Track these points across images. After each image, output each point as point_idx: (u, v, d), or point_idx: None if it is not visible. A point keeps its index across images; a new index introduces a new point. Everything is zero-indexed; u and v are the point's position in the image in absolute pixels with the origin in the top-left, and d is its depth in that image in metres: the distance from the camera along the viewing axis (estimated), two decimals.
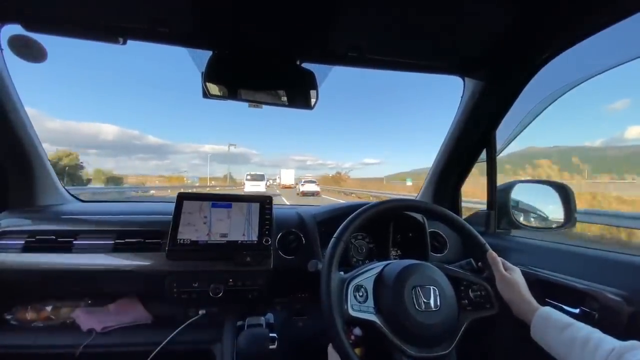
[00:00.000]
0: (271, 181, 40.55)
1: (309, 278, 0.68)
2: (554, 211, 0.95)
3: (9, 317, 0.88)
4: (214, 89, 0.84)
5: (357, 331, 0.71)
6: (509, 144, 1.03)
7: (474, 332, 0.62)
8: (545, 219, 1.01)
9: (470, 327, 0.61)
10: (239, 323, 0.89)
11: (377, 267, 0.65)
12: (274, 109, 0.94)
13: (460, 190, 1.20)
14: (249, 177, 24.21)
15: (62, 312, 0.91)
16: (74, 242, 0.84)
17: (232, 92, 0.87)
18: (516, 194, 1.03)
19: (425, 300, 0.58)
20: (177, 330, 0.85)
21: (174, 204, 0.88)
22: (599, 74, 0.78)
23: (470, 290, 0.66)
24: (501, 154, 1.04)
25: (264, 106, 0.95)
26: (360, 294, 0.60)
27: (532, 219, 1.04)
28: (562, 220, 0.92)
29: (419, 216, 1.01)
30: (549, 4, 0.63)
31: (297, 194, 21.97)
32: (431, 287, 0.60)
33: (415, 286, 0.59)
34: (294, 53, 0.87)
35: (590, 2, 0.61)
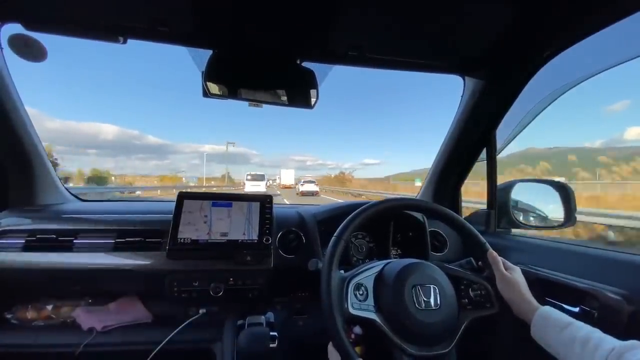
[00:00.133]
0: (271, 181, 40.43)
1: (309, 277, 0.68)
2: (554, 210, 0.95)
3: (9, 316, 0.88)
4: (214, 88, 0.84)
5: (357, 330, 0.71)
6: (508, 143, 1.04)
7: (474, 331, 0.62)
8: (545, 218, 1.01)
9: (470, 326, 0.62)
10: (239, 322, 0.89)
11: (377, 265, 0.65)
12: (273, 108, 0.94)
13: (461, 189, 1.20)
14: (249, 177, 24.37)
15: (62, 311, 0.92)
16: (75, 241, 0.84)
17: (232, 91, 0.87)
18: (516, 194, 1.03)
19: (425, 299, 0.58)
20: (177, 329, 0.85)
21: (175, 203, 0.88)
22: (599, 73, 0.78)
23: (470, 290, 0.66)
24: (501, 155, 1.04)
25: (264, 105, 0.95)
26: (361, 292, 0.60)
27: (532, 218, 1.04)
28: (562, 220, 0.92)
29: (419, 215, 1.01)
30: (549, 3, 0.63)
31: (297, 193, 22.04)
32: (431, 286, 0.60)
33: (415, 285, 0.59)
34: (294, 52, 0.87)
35: (590, 1, 0.62)
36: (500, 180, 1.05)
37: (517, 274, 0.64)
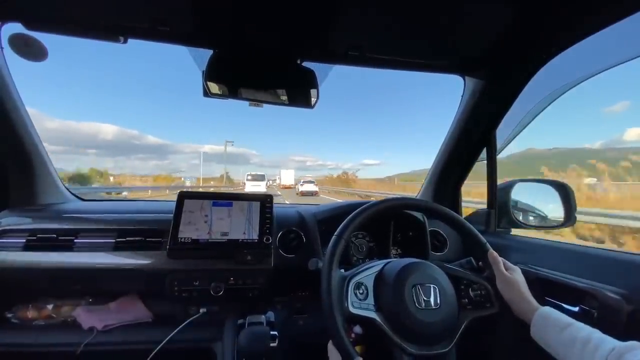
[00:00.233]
0: (271, 182, 40.30)
1: (310, 276, 0.68)
2: (554, 210, 0.95)
3: (10, 315, 0.89)
4: (214, 87, 0.84)
5: (358, 329, 0.71)
6: (508, 143, 1.04)
7: (474, 331, 0.62)
8: (545, 217, 1.01)
9: (470, 325, 0.62)
10: (240, 321, 0.89)
11: (377, 265, 0.66)
12: (273, 109, 0.94)
13: (461, 189, 1.21)
14: (249, 178, 24.53)
15: (63, 311, 0.92)
16: (75, 240, 0.84)
17: (232, 91, 0.87)
18: (516, 193, 1.03)
19: (425, 299, 0.58)
20: (178, 329, 0.85)
21: (175, 202, 0.88)
22: (598, 73, 0.78)
23: (470, 289, 0.66)
24: (501, 155, 1.04)
25: (264, 105, 0.95)
26: (361, 291, 0.60)
27: (532, 218, 1.04)
28: (562, 219, 0.92)
29: (419, 215, 1.01)
30: (549, 3, 0.63)
31: (297, 194, 22.08)
32: (431, 286, 0.60)
33: (415, 284, 0.60)
34: (294, 52, 0.87)
35: (590, 1, 0.61)
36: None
37: (517, 274, 0.64)
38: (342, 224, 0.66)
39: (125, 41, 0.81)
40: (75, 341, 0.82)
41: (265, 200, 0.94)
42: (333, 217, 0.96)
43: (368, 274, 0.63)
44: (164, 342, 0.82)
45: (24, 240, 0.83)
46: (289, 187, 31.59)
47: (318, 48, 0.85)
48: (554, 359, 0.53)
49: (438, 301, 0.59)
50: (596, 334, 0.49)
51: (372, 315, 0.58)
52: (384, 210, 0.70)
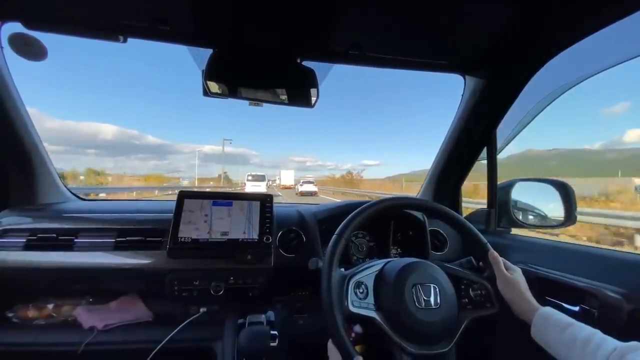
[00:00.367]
0: (271, 182, 40.19)
1: (310, 276, 0.68)
2: (554, 209, 0.95)
3: (10, 315, 0.89)
4: (214, 87, 0.84)
5: (358, 329, 0.71)
6: (509, 142, 1.04)
7: (474, 331, 0.62)
8: (545, 217, 1.01)
9: (470, 325, 0.62)
10: (240, 321, 0.89)
11: (377, 264, 0.66)
12: (273, 109, 0.94)
13: (461, 188, 1.20)
14: (250, 178, 24.76)
15: (63, 310, 0.92)
16: (75, 240, 0.84)
17: (232, 90, 0.87)
18: (516, 193, 1.03)
19: (425, 298, 0.58)
20: (178, 328, 0.85)
21: (175, 202, 0.88)
22: (598, 73, 0.78)
23: (470, 289, 0.66)
24: (500, 156, 1.04)
25: (264, 105, 0.95)
26: (361, 290, 0.60)
27: (533, 217, 1.04)
28: (563, 219, 0.92)
29: (419, 214, 1.01)
30: (549, 3, 0.63)
31: (296, 194, 22.14)
32: (431, 285, 0.60)
33: (415, 284, 0.59)
34: (294, 51, 0.87)
35: (590, 1, 0.61)
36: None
37: (517, 274, 0.64)
38: (342, 223, 0.66)
39: (125, 40, 0.81)
40: (75, 341, 0.82)
41: (265, 200, 0.94)
42: (333, 216, 0.96)
43: (368, 273, 0.63)
44: (164, 341, 0.82)
45: (25, 240, 0.83)
46: (288, 188, 31.67)
47: (318, 47, 0.85)
48: (555, 359, 0.53)
49: (438, 301, 0.59)
50: (597, 334, 0.48)
51: (372, 314, 0.58)
52: (384, 210, 0.70)
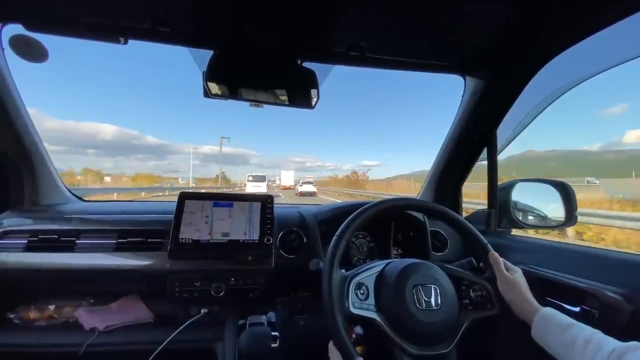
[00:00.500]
0: (271, 182, 40.12)
1: (310, 277, 0.68)
2: (555, 210, 0.95)
3: (12, 316, 0.89)
4: (215, 88, 0.85)
5: (359, 330, 0.71)
6: (509, 143, 1.04)
7: (474, 332, 0.62)
8: (545, 217, 1.01)
9: (471, 326, 0.62)
10: (241, 322, 0.89)
11: (378, 265, 0.66)
12: (273, 109, 0.94)
13: (461, 189, 1.20)
14: (250, 179, 25.05)
15: (64, 311, 0.92)
16: (76, 241, 0.85)
17: (232, 92, 0.88)
18: (517, 193, 1.03)
19: (426, 299, 0.58)
20: (179, 329, 0.85)
21: (176, 203, 0.88)
22: (599, 73, 0.78)
23: (471, 290, 0.66)
24: (500, 157, 1.04)
25: (264, 106, 0.95)
26: (362, 291, 0.60)
27: (533, 218, 1.04)
28: (563, 219, 0.92)
29: (420, 215, 1.01)
30: (550, 3, 0.63)
31: (296, 194, 22.20)
32: (432, 286, 0.60)
33: (416, 285, 0.60)
34: (294, 52, 0.87)
35: (591, 1, 0.61)
36: None
37: (518, 275, 0.64)
38: (343, 224, 0.66)
39: (125, 42, 0.81)
40: (77, 342, 0.82)
41: (266, 201, 0.94)
42: (334, 217, 0.96)
43: (369, 274, 0.63)
44: (165, 342, 0.82)
45: (26, 241, 0.83)
46: (288, 188, 31.77)
47: (318, 48, 0.85)
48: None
49: (439, 302, 0.59)
50: (598, 335, 0.48)
51: (373, 315, 0.58)
52: (384, 211, 0.70)
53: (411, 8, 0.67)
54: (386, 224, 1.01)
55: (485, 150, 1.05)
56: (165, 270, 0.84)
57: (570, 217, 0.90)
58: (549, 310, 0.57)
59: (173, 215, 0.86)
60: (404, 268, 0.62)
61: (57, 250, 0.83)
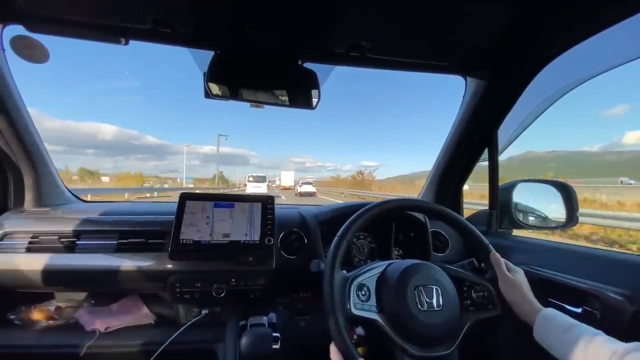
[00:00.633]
0: (271, 183, 40.05)
1: (311, 278, 0.68)
2: (556, 210, 0.95)
3: (12, 317, 0.89)
4: (215, 89, 0.85)
5: (360, 331, 0.71)
6: (510, 144, 1.03)
7: (476, 333, 0.62)
8: (547, 218, 1.01)
9: (472, 327, 0.61)
10: (242, 323, 0.89)
11: (379, 266, 0.65)
12: (274, 110, 0.94)
13: (462, 189, 1.20)
14: (250, 179, 25.19)
15: (65, 312, 0.92)
16: (77, 242, 0.85)
17: (233, 92, 0.88)
18: (518, 194, 1.03)
19: (427, 300, 0.58)
20: (180, 330, 0.85)
21: (177, 204, 0.88)
22: (600, 74, 0.78)
23: (472, 291, 0.66)
24: (501, 158, 1.04)
25: (265, 106, 0.95)
26: (363, 292, 0.60)
27: (534, 218, 1.04)
28: (564, 220, 0.92)
29: (420, 216, 1.01)
30: (551, 3, 0.63)
31: (295, 194, 22.26)
32: (434, 287, 0.60)
33: (417, 286, 0.59)
34: (295, 53, 0.87)
35: (592, 2, 0.61)
36: None
37: (519, 276, 0.64)
38: (344, 225, 0.65)
39: (126, 43, 0.81)
40: (77, 343, 0.82)
41: (266, 202, 0.94)
42: (335, 218, 0.96)
43: (370, 275, 0.63)
44: (166, 343, 0.82)
45: (27, 242, 0.83)
46: (288, 189, 31.88)
47: (319, 49, 0.85)
48: None
49: (440, 303, 0.59)
50: (599, 335, 0.48)
51: (374, 316, 0.58)
52: (385, 212, 0.70)
53: (412, 8, 0.67)
54: (387, 225, 1.01)
55: (486, 151, 1.05)
56: (166, 271, 0.84)
57: (572, 217, 0.90)
58: (550, 311, 0.57)
59: (174, 216, 0.85)
60: (406, 269, 0.62)
61: (58, 251, 0.83)
